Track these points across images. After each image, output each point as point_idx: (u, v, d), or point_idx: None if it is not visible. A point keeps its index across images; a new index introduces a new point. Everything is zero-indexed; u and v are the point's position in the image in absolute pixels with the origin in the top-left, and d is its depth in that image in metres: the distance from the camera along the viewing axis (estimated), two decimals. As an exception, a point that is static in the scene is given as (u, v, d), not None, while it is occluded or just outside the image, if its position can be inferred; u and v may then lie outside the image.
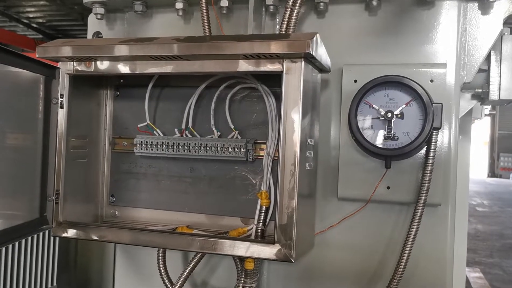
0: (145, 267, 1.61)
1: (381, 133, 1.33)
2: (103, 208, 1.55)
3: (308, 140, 1.24)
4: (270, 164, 1.34)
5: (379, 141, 1.33)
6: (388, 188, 1.36)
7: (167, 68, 1.26)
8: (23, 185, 1.27)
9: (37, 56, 1.30)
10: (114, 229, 1.32)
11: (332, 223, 1.43)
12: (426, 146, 1.31)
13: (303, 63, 1.16)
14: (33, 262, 3.30)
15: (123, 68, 1.29)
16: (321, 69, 1.32)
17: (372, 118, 1.33)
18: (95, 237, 1.32)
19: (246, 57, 1.17)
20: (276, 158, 1.28)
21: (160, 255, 1.43)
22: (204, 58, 1.21)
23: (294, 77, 1.16)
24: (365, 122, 1.34)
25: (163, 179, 1.49)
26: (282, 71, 1.16)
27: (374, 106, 1.33)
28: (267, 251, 1.18)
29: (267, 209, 1.32)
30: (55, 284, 3.63)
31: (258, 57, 1.16)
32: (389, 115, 1.31)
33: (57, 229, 1.33)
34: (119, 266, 1.69)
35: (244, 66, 1.19)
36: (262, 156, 1.38)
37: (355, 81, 1.38)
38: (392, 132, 1.31)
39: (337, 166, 1.41)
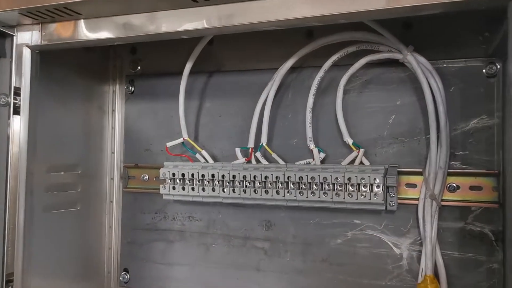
0: None
1: None
2: (110, 291, 0.88)
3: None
4: (436, 215, 0.64)
5: None
6: None
7: (208, 21, 0.58)
8: None
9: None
10: None
11: None
12: None
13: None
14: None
15: (129, 31, 0.63)
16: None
17: None
18: None
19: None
20: (446, 203, 0.59)
21: None
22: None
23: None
24: None
25: (214, 242, 0.81)
26: (509, -3, 0.46)
27: None
28: None
29: (439, 316, 0.62)
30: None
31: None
32: None
33: None
34: None
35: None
36: (413, 200, 0.68)
37: None
38: None
39: None
